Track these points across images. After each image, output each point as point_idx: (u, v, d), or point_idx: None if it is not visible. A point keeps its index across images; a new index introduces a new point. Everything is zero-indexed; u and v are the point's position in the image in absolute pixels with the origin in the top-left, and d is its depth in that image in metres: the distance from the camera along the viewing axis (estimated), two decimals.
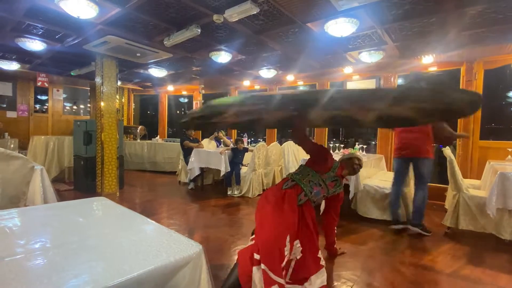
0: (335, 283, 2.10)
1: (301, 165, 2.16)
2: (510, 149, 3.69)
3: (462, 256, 2.60)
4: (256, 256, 1.67)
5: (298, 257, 1.81)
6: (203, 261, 1.06)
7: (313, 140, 2.29)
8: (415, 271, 2.29)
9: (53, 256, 0.99)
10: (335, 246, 2.50)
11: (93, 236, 1.21)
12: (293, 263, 1.81)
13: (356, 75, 5.44)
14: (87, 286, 0.79)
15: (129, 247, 1.08)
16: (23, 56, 4.91)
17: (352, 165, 2.28)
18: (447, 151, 3.17)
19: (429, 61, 4.42)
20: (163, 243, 1.10)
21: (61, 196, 4.34)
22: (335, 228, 2.44)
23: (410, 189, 3.48)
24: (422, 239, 3.00)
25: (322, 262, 1.89)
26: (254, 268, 1.66)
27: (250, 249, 1.77)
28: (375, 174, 4.30)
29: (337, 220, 2.42)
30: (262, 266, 1.62)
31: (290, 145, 5.40)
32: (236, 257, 2.51)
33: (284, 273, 1.67)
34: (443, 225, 3.16)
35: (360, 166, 2.31)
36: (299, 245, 1.82)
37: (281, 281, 1.62)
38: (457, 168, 3.08)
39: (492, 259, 2.55)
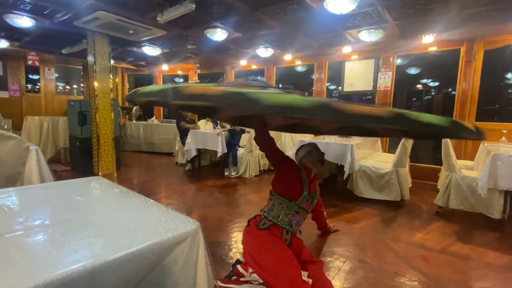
0: (329, 259, 2.17)
1: (271, 192, 1.95)
2: (504, 131, 3.73)
3: (451, 234, 2.69)
4: None
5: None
6: (200, 237, 1.08)
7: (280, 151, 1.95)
8: (406, 248, 2.38)
9: (53, 232, 1.01)
10: (328, 226, 2.58)
11: (92, 214, 1.22)
12: None
13: (354, 54, 5.35)
14: (87, 261, 0.81)
15: (128, 224, 1.09)
16: (12, 33, 4.72)
17: (318, 159, 2.01)
18: None
19: (429, 41, 4.35)
20: (161, 220, 1.12)
21: (58, 176, 4.34)
22: (323, 212, 2.53)
23: (405, 169, 3.53)
24: (413, 218, 3.09)
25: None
26: None
27: None
28: (371, 155, 4.35)
29: (322, 206, 2.50)
30: None
31: None
32: (233, 234, 2.58)
33: None
34: (434, 205, 3.25)
35: (322, 156, 2.03)
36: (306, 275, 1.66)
37: None
38: (451, 150, 3.12)
39: (480, 236, 2.64)
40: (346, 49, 5.07)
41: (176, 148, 5.77)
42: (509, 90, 4.90)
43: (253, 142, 4.78)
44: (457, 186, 3.06)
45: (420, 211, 3.32)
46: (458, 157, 3.89)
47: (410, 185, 3.80)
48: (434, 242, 2.50)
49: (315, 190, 2.02)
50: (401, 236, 2.61)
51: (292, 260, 1.64)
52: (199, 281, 1.06)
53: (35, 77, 6.99)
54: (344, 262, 2.13)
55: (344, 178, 3.56)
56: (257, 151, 4.96)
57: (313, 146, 2.07)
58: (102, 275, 0.81)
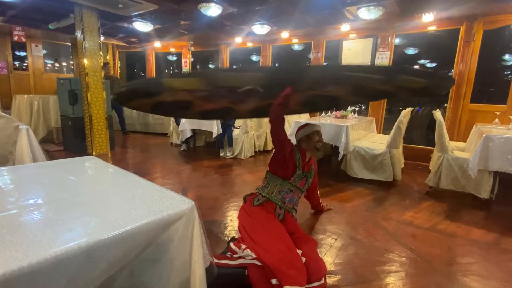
0: (321, 236, 2.24)
1: (267, 173, 2.02)
2: (498, 113, 3.75)
3: (440, 212, 2.77)
4: (274, 282, 1.45)
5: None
6: (195, 216, 1.09)
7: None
8: (396, 226, 2.46)
9: (46, 211, 1.00)
10: (321, 204, 2.64)
11: (86, 193, 1.21)
12: None
13: (353, 33, 5.22)
14: (82, 239, 0.81)
15: (122, 203, 1.09)
16: None
17: (314, 146, 2.06)
18: (437, 114, 3.21)
19: (429, 20, 4.25)
20: (155, 199, 1.12)
21: (51, 156, 4.31)
22: (316, 190, 2.57)
23: (399, 150, 3.57)
24: (404, 198, 3.16)
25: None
26: None
27: (264, 273, 1.51)
28: (365, 136, 4.37)
29: (317, 185, 2.53)
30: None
31: None
32: (228, 213, 2.63)
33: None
34: (425, 185, 3.32)
35: (318, 144, 2.07)
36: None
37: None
38: (445, 131, 3.14)
39: (468, 215, 2.73)
40: (344, 27, 4.94)
41: (171, 129, 5.71)
42: (505, 72, 4.88)
43: (249, 123, 4.75)
44: (448, 166, 3.11)
45: (411, 191, 3.40)
46: (451, 139, 3.94)
47: (403, 165, 3.86)
48: (423, 220, 2.58)
49: (309, 170, 2.05)
50: (392, 214, 2.69)
51: (283, 235, 1.69)
52: (194, 257, 1.08)
53: (22, 54, 6.71)
54: (336, 239, 2.20)
55: (339, 159, 3.59)
56: (253, 132, 4.95)
57: (315, 130, 2.08)
58: (97, 253, 0.82)
